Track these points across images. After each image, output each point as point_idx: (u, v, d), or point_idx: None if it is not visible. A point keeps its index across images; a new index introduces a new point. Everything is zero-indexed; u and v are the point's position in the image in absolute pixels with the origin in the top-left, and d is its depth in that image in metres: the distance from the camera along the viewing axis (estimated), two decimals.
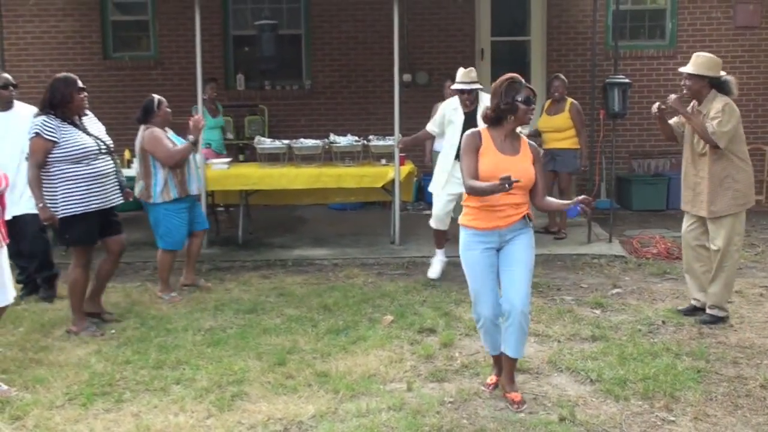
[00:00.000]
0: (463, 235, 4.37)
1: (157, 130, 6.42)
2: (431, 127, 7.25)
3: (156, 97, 6.57)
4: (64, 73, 5.69)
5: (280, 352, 5.12)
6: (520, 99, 4.19)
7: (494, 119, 4.27)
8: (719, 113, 5.45)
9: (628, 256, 7.79)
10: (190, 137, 6.52)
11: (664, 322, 5.73)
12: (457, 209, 7.01)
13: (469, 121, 6.60)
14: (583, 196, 4.30)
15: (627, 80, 8.55)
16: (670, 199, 10.32)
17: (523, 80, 4.29)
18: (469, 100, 6.87)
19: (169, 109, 6.56)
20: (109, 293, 6.42)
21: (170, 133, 6.62)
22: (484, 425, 4.03)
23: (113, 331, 5.70)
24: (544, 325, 5.66)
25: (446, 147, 7.05)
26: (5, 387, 4.60)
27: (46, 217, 5.45)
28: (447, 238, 7.18)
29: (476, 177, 4.22)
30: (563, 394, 4.44)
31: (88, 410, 4.30)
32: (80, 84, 5.62)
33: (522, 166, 4.24)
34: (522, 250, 4.31)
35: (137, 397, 4.47)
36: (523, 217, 4.29)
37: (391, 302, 6.30)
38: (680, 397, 4.35)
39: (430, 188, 7.20)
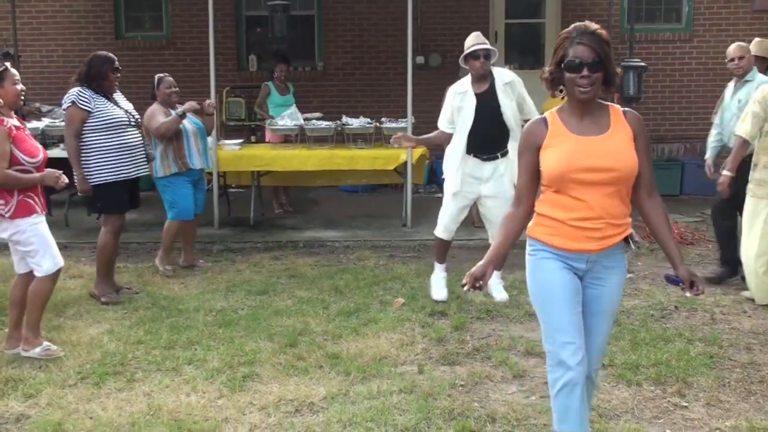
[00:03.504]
0: (534, 252, 3.14)
1: (154, 106, 6.54)
2: (445, 124, 5.89)
3: (158, 76, 6.70)
4: (104, 52, 6.03)
5: (291, 334, 5.12)
6: (565, 62, 2.96)
7: (553, 84, 3.09)
8: None
9: (641, 241, 7.74)
10: (179, 110, 6.56)
11: (676, 307, 5.70)
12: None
13: (484, 104, 5.64)
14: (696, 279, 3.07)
15: (643, 64, 8.47)
16: (684, 184, 10.23)
17: (587, 27, 2.97)
18: (486, 66, 5.63)
19: (170, 89, 6.60)
20: (121, 273, 6.47)
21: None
22: (495, 409, 4.03)
23: (125, 311, 5.72)
24: None
25: (455, 136, 5.82)
26: (54, 347, 4.82)
27: (84, 188, 5.72)
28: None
29: (527, 194, 3.11)
30: None
31: (101, 389, 4.32)
32: (117, 65, 5.93)
33: (610, 148, 2.97)
34: (612, 295, 3.13)
35: (149, 377, 4.48)
36: (625, 239, 3.10)
37: (403, 285, 6.29)
38: (693, 382, 4.33)
39: (445, 187, 6.00)
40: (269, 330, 5.23)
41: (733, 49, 6.17)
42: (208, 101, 7.03)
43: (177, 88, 6.69)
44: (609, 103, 3.11)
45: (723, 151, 6.33)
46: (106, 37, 11.09)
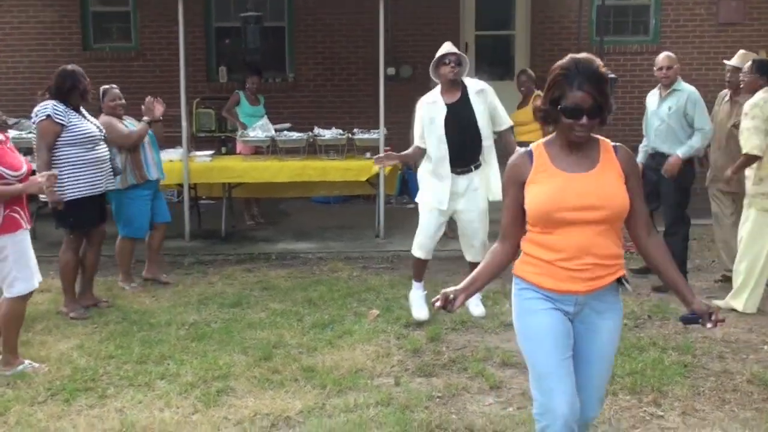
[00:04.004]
0: (520, 292, 2.95)
1: (107, 117, 6.39)
2: (419, 140, 5.65)
3: (103, 87, 6.53)
4: (73, 65, 5.93)
5: (265, 347, 5.07)
6: (563, 107, 2.75)
7: (544, 119, 2.89)
8: None
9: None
10: (145, 118, 6.50)
11: (650, 316, 5.73)
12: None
13: (456, 114, 5.46)
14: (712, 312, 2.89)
15: (613, 75, 8.56)
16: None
17: (588, 67, 2.73)
18: (456, 73, 5.45)
19: (114, 102, 6.42)
20: (95, 292, 6.36)
21: (127, 121, 6.59)
22: (473, 420, 4.01)
23: (95, 325, 5.63)
24: None
25: (433, 151, 5.56)
26: (36, 364, 4.74)
27: (55, 200, 5.59)
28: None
29: (513, 231, 2.93)
30: None
31: (71, 406, 4.24)
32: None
33: (599, 186, 2.80)
34: (607, 341, 2.92)
35: (121, 393, 4.40)
36: (618, 279, 2.90)
37: (377, 296, 6.27)
38: (668, 391, 4.35)
39: (418, 198, 5.81)
40: (243, 343, 5.17)
41: (662, 58, 6.42)
42: (157, 98, 6.76)
43: (123, 100, 6.51)
44: (599, 137, 2.90)
45: (656, 156, 6.48)
46: (74, 48, 10.95)
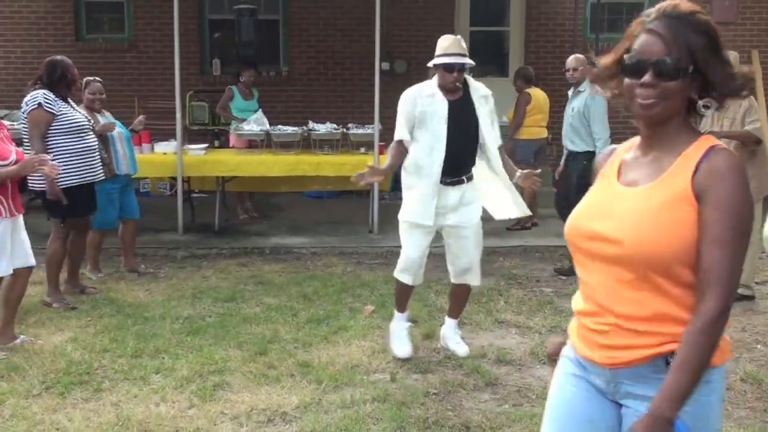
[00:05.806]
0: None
1: (85, 109, 6.40)
2: (403, 134, 4.75)
3: (86, 79, 6.55)
4: (62, 56, 5.98)
5: (260, 342, 5.06)
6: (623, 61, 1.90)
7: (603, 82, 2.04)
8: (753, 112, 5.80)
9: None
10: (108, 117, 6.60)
11: None
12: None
13: (458, 111, 4.67)
14: None
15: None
16: None
17: (676, 6, 1.84)
18: (459, 80, 4.66)
19: (94, 95, 6.45)
20: (83, 281, 6.33)
21: (108, 115, 6.66)
22: (469, 417, 4.02)
23: (89, 318, 5.60)
24: (525, 316, 5.66)
25: (423, 151, 4.70)
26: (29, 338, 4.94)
27: (54, 191, 5.61)
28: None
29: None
30: (547, 387, 4.41)
31: (66, 399, 4.22)
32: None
33: (635, 211, 1.84)
34: None
35: (116, 387, 4.39)
36: (661, 355, 1.84)
37: (371, 292, 6.27)
38: None
39: (401, 216, 4.96)
40: (238, 338, 5.16)
41: (569, 60, 6.62)
42: (139, 118, 7.12)
43: (103, 95, 6.53)
44: (702, 134, 1.90)
45: (569, 156, 6.65)
46: (66, 39, 10.88)
